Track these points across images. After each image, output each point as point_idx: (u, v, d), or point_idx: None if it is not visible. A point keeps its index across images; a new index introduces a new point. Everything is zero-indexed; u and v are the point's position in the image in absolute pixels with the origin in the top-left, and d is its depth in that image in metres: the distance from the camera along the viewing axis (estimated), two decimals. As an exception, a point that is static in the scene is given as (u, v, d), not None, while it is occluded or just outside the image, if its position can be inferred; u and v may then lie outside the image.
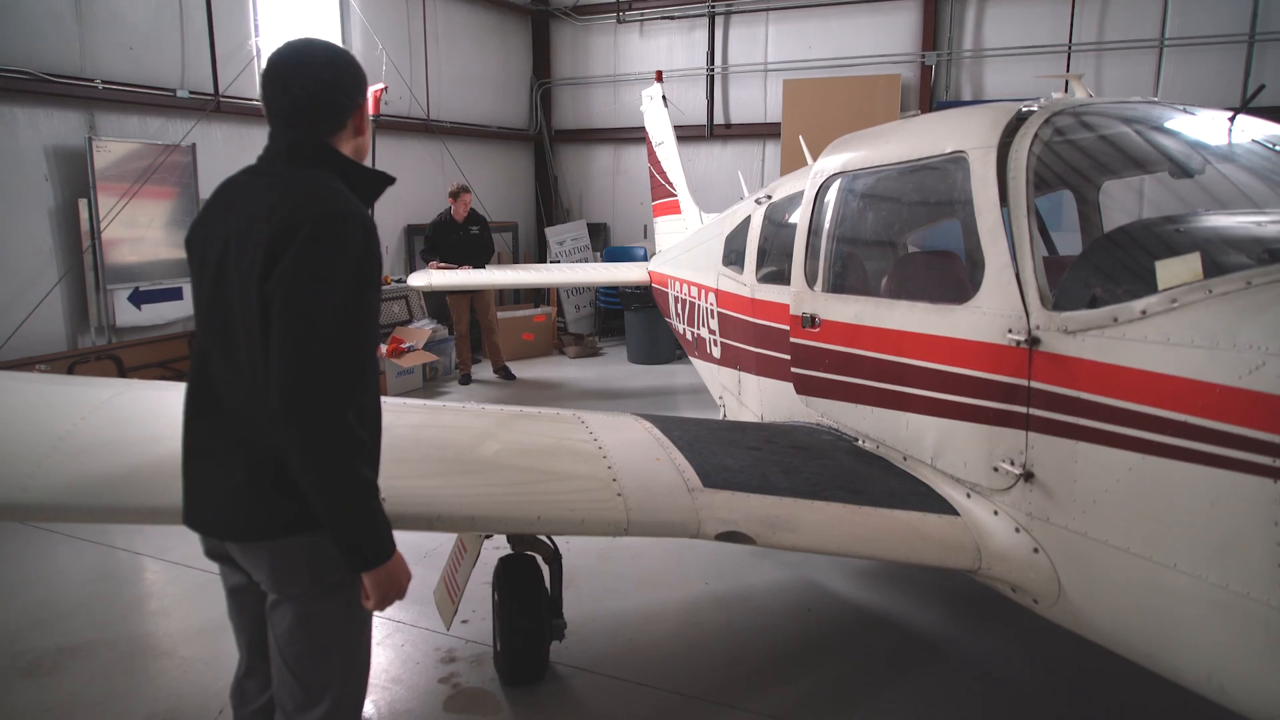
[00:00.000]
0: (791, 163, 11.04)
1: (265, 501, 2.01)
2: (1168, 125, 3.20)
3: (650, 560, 5.14)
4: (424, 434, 3.18)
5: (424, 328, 9.79)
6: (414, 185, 11.32)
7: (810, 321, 3.93)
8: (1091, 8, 10.71)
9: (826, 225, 3.93)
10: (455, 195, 9.70)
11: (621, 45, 13.25)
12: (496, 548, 3.99)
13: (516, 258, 12.68)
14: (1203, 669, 2.31)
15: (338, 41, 10.11)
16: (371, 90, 9.80)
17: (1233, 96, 9.87)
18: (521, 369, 10.71)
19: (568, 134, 13.87)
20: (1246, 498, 2.14)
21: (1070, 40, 10.78)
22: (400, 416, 3.28)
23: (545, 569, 3.87)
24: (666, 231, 9.05)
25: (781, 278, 4.66)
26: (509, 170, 13.40)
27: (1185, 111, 3.27)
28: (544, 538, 3.84)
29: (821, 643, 4.24)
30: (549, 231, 12.87)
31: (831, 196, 3.96)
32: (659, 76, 9.52)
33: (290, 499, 1.98)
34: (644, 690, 3.81)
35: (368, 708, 3.63)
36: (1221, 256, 2.43)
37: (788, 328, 4.27)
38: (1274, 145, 2.94)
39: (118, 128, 7.78)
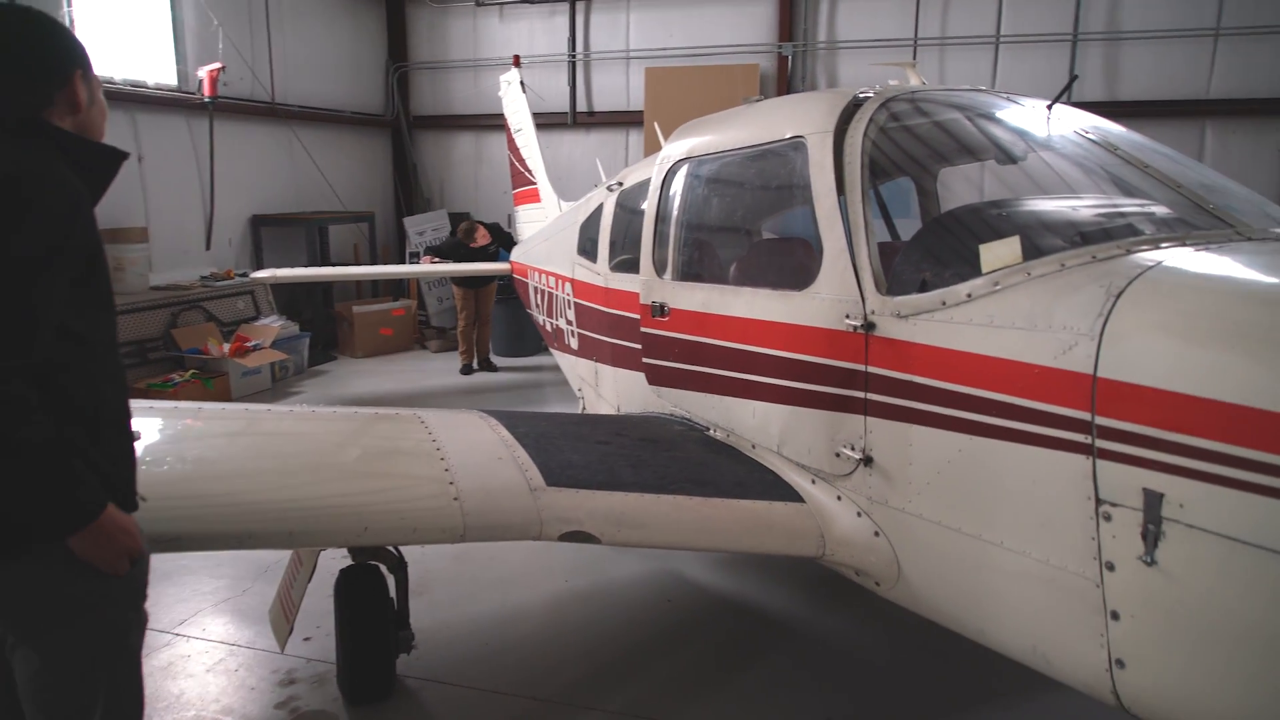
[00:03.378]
0: (655, 149, 11.02)
1: None
2: (994, 113, 3.29)
3: (510, 560, 4.98)
4: (239, 443, 2.92)
5: (272, 324, 9.22)
6: (260, 173, 10.65)
7: (660, 310, 3.86)
8: (934, 4, 11.18)
9: (673, 212, 3.86)
10: (468, 232, 9.52)
11: (481, 29, 12.87)
12: (339, 558, 3.74)
13: (373, 250, 12.13)
14: (1028, 641, 2.37)
15: (166, 18, 9.36)
16: (206, 70, 9.18)
17: (1057, 89, 10.54)
18: (381, 365, 10.28)
19: (427, 120, 13.39)
20: (1063, 475, 2.19)
21: (916, 34, 11.22)
22: (214, 425, 3.00)
23: (390, 578, 3.65)
24: (528, 220, 8.86)
25: (634, 266, 4.58)
26: (365, 158, 12.81)
27: (1009, 100, 3.37)
28: (388, 545, 3.62)
29: (680, 632, 4.20)
30: (408, 222, 12.39)
31: (677, 183, 3.89)
32: (516, 61, 9.30)
33: None
34: (497, 698, 3.66)
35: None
36: (1040, 239, 2.49)
37: (635, 317, 4.19)
38: (1088, 134, 3.06)
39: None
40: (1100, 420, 2.09)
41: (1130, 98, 10.48)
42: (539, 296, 7.00)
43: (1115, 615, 2.11)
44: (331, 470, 2.82)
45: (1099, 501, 2.11)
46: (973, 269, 2.49)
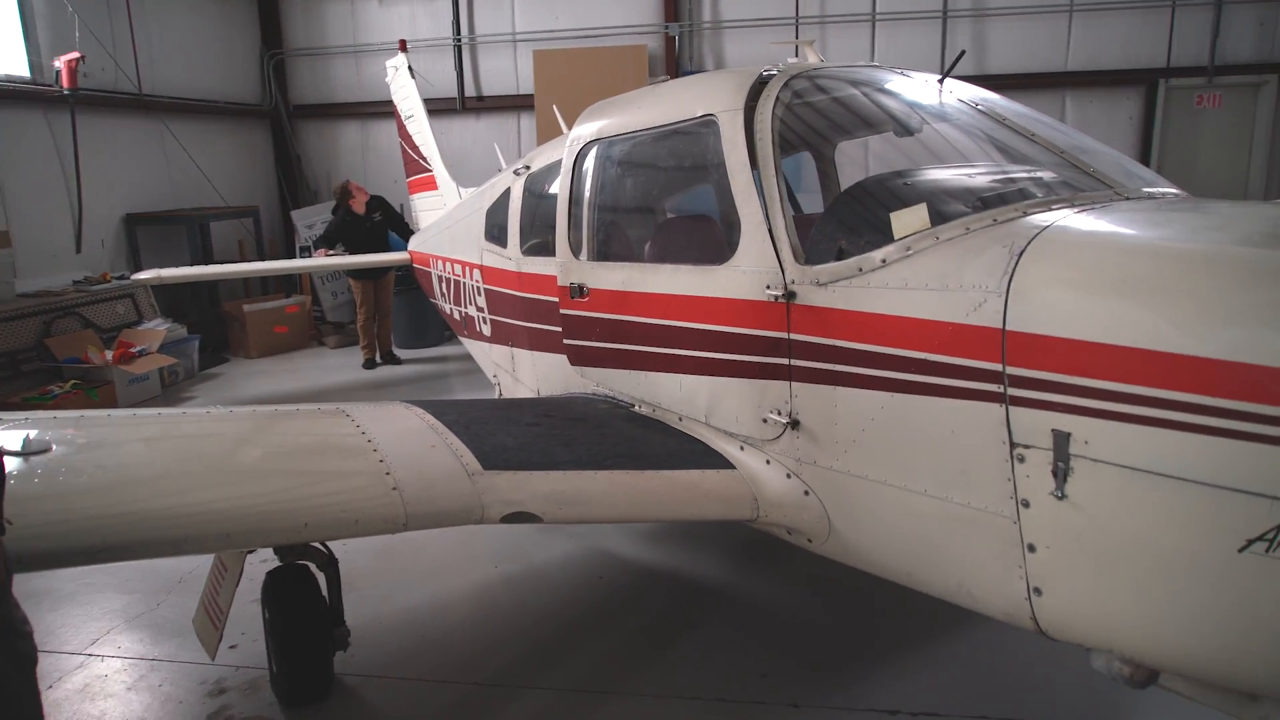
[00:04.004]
0: (546, 134, 10.95)
1: None
2: (890, 87, 3.46)
3: (435, 551, 4.94)
4: (161, 447, 2.81)
5: (157, 328, 8.77)
6: (130, 169, 10.04)
7: (579, 291, 3.90)
8: (814, -17, 11.52)
9: (586, 193, 3.90)
10: (344, 191, 9.36)
11: (360, 14, 12.46)
12: (263, 561, 3.65)
13: (260, 246, 11.64)
14: (954, 579, 2.55)
15: (12, 3, 8.68)
16: (64, 60, 8.59)
17: (932, 64, 11.06)
18: (278, 364, 9.92)
19: (308, 109, 12.89)
20: (979, 423, 2.36)
21: (797, 13, 11.53)
22: (131, 430, 2.88)
23: (320, 576, 3.58)
24: (425, 209, 8.69)
25: (547, 249, 4.59)
26: (244, 150, 12.24)
27: (903, 75, 3.55)
28: (316, 544, 3.55)
29: (615, 607, 4.29)
30: (296, 215, 11.94)
31: (589, 164, 3.93)
32: (402, 46, 9.06)
33: None
34: (439, 687, 3.66)
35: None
36: (944, 206, 2.66)
37: (557, 299, 4.22)
38: (978, 105, 3.27)
39: None
40: (1010, 370, 2.27)
41: (998, 71, 11.06)
42: (444, 285, 6.90)
43: (1032, 548, 2.30)
44: (262, 469, 2.76)
45: (1013, 445, 2.29)
46: (885, 236, 2.64)
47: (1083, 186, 2.76)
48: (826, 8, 11.56)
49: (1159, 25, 11.06)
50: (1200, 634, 2.02)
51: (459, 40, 12.22)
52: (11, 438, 2.66)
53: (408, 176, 9.38)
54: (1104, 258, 2.21)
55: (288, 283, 11.62)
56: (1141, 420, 2.02)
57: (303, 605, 3.48)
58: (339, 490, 2.72)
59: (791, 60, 3.69)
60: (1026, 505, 2.29)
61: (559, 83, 11.16)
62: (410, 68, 8.84)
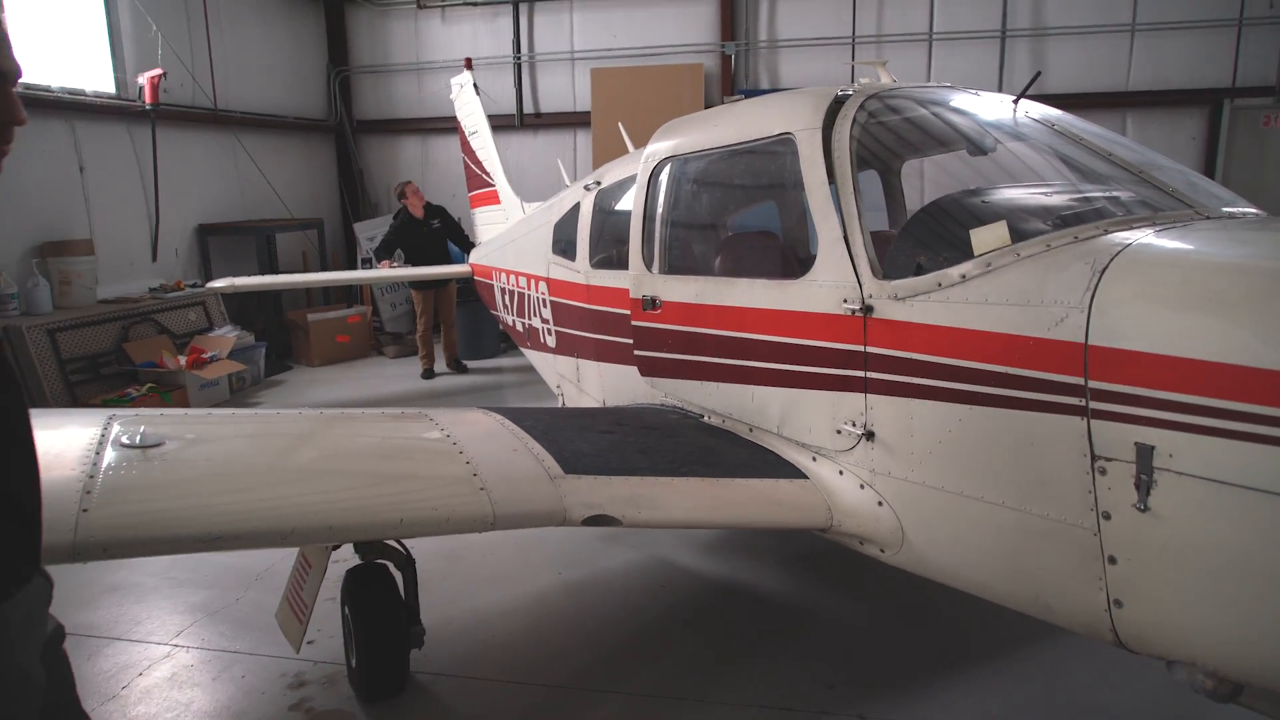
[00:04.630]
0: (603, 151, 11.15)
1: None
2: (963, 107, 3.52)
3: (500, 556, 5.07)
4: (263, 444, 2.97)
5: (227, 335, 9.08)
6: (204, 181, 10.45)
7: (651, 304, 4.01)
8: (870, 3, 11.57)
9: (661, 208, 4.01)
10: (401, 193, 9.68)
11: (423, 32, 12.82)
12: (340, 560, 3.79)
13: (323, 257, 11.99)
14: (1031, 591, 2.59)
15: (102, 23, 9.12)
16: (147, 76, 8.99)
17: (990, 83, 11.04)
18: (339, 373, 10.19)
19: (371, 125, 13.27)
20: (1060, 435, 2.40)
21: (854, 33, 11.59)
22: (231, 428, 3.04)
23: (398, 575, 3.72)
24: (486, 223, 8.89)
25: (617, 262, 4.71)
26: (309, 164, 12.65)
27: (976, 95, 3.61)
28: (395, 543, 3.69)
29: (677, 616, 4.35)
30: (358, 227, 12.28)
31: (664, 180, 4.04)
32: (468, 64, 9.32)
33: None
34: (512, 687, 3.75)
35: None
36: (1023, 223, 2.71)
37: (626, 312, 4.33)
38: (1054, 124, 3.31)
39: None
40: (1093, 384, 2.31)
41: (1057, 91, 10.99)
42: (507, 297, 7.07)
43: (1113, 560, 2.33)
44: (359, 467, 2.90)
45: (1094, 457, 2.33)
46: (964, 252, 2.70)
47: (1162, 206, 2.79)
48: (884, 27, 11.61)
49: (1224, 44, 10.90)
50: (1287, 648, 2.04)
51: (519, 58, 12.49)
52: (128, 431, 2.84)
53: (469, 191, 9.61)
54: (1187, 275, 2.25)
55: (349, 293, 11.93)
56: (1226, 434, 2.05)
57: (382, 603, 3.61)
58: (430, 489, 2.84)
59: (864, 81, 3.77)
60: (1108, 517, 2.32)
61: (616, 101, 11.36)
62: (475, 85, 9.08)
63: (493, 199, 8.73)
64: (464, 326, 10.42)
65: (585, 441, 3.40)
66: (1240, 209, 2.94)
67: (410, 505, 2.75)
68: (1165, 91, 11.08)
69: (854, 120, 3.22)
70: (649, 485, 3.08)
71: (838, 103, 3.31)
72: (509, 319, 7.12)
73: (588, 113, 11.95)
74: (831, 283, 3.06)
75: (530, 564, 4.98)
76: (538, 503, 2.90)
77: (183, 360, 8.35)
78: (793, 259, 3.39)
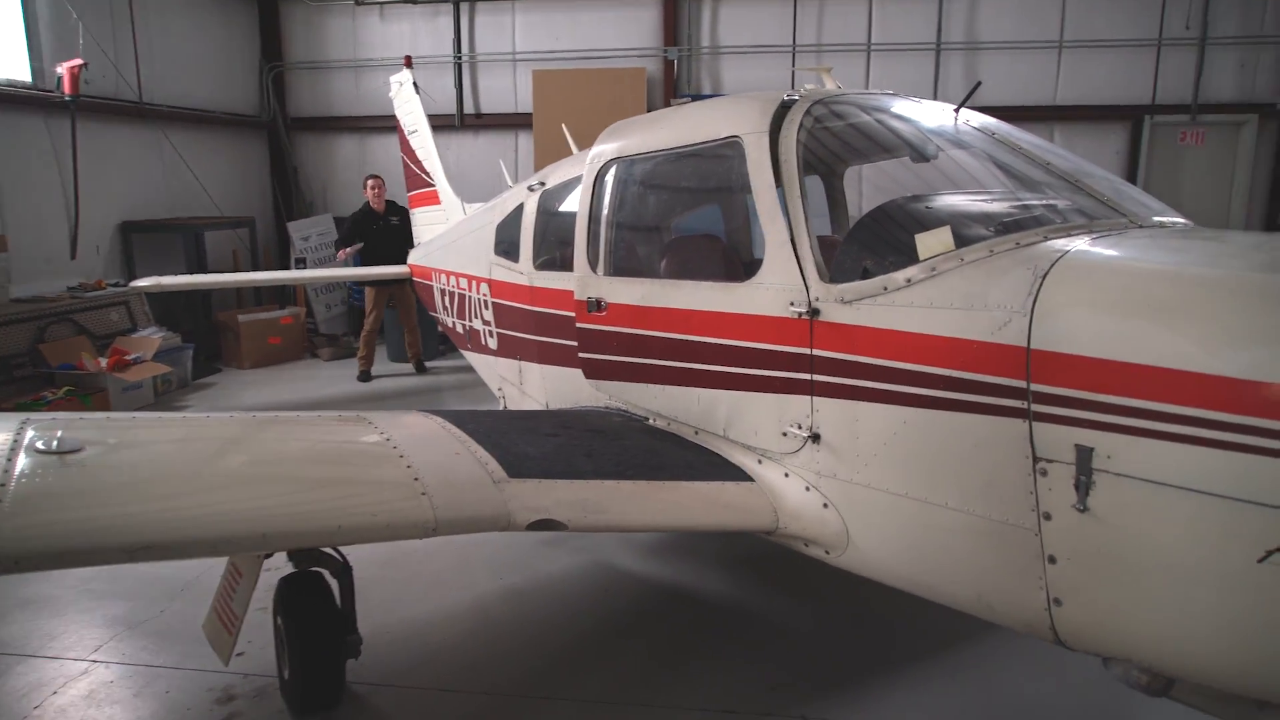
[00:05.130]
0: (545, 152, 11.08)
1: None
2: (906, 114, 3.57)
3: (438, 562, 4.96)
4: (192, 449, 2.84)
5: (152, 336, 8.74)
6: (128, 176, 10.04)
7: (596, 305, 3.97)
8: (810, 12, 11.74)
9: (607, 209, 3.98)
10: (365, 185, 9.64)
11: (361, 29, 12.56)
12: (272, 568, 3.65)
13: (255, 256, 11.63)
14: (974, 591, 2.62)
15: (17, 9, 8.70)
16: (66, 66, 8.60)
17: (925, 93, 11.30)
18: (271, 375, 9.89)
19: (306, 122, 12.94)
20: (1003, 438, 2.44)
21: (794, 41, 11.74)
22: (157, 432, 2.91)
23: (334, 583, 3.60)
24: (426, 223, 8.74)
25: (561, 264, 4.66)
26: (241, 160, 12.26)
27: (919, 102, 3.66)
28: (331, 550, 3.57)
29: (620, 620, 4.31)
30: (292, 227, 11.95)
31: (610, 181, 4.01)
32: (408, 61, 9.15)
33: None
34: (452, 696, 3.67)
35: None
36: (966, 229, 2.75)
37: (570, 314, 4.28)
38: (993, 133, 3.38)
39: None
40: (1035, 387, 2.35)
41: (990, 102, 11.24)
42: (447, 299, 6.95)
43: (1052, 559, 2.37)
44: (295, 472, 2.79)
45: (1036, 459, 2.37)
46: (910, 257, 2.72)
47: (1098, 214, 2.87)
48: (823, 37, 11.79)
49: (1145, 63, 11.36)
50: (1218, 642, 2.10)
51: (460, 58, 12.33)
52: (44, 436, 2.68)
53: (409, 191, 9.43)
54: (1127, 281, 2.30)
55: (281, 294, 11.60)
56: (1164, 436, 2.11)
57: (317, 612, 3.49)
58: (370, 494, 2.75)
59: (809, 86, 3.79)
60: (1048, 518, 2.36)
61: (558, 103, 11.30)
62: (415, 83, 8.91)
63: (433, 199, 8.59)
64: (399, 329, 10.20)
65: (529, 444, 3.34)
66: (1169, 218, 3.04)
67: (348, 511, 2.65)
68: (1091, 106, 11.50)
69: (800, 125, 3.24)
70: (595, 489, 3.04)
71: (784, 107, 3.33)
72: (449, 321, 7.00)
73: (529, 114, 11.86)
74: (778, 285, 3.07)
75: (469, 569, 4.89)
76: (481, 507, 2.83)
77: (103, 362, 8.00)
78: (739, 262, 3.39)
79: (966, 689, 3.63)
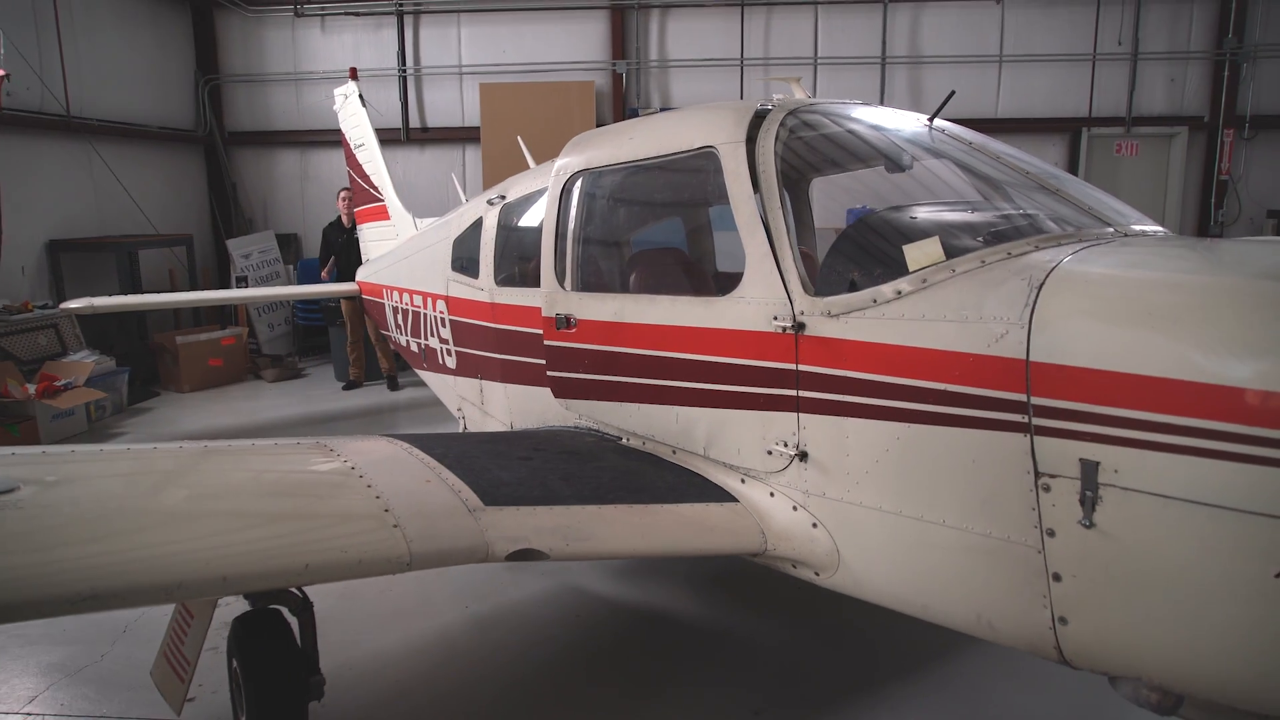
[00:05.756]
0: (494, 166, 10.90)
1: None
2: (881, 124, 3.53)
3: (400, 591, 4.74)
4: (139, 483, 2.62)
5: (84, 360, 8.31)
6: (55, 193, 9.58)
7: (565, 322, 3.83)
8: (757, 26, 11.81)
9: (574, 223, 3.85)
10: (338, 197, 9.72)
11: (301, 41, 12.25)
12: (227, 602, 3.42)
13: (193, 275, 11.19)
14: (973, 611, 2.55)
15: (-66, 18, 8.25)
16: (-14, 78, 8.16)
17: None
18: (213, 399, 9.51)
19: (245, 136, 12.55)
20: (1002, 453, 2.38)
21: (742, 55, 11.79)
22: (103, 466, 2.68)
23: (293, 621, 3.38)
24: (375, 239, 8.50)
25: (525, 280, 4.52)
26: (176, 176, 11.81)
27: (892, 112, 3.62)
28: (292, 588, 3.36)
29: (594, 646, 4.18)
30: (232, 244, 11.54)
31: (577, 194, 3.88)
32: (353, 74, 8.91)
33: None
34: (422, 735, 3.49)
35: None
36: (953, 240, 2.69)
37: (536, 331, 4.14)
38: (970, 143, 3.35)
39: None
40: (1035, 400, 2.29)
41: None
42: (400, 316, 6.73)
43: (1057, 577, 2.31)
44: (255, 507, 2.59)
45: (1038, 474, 2.31)
46: (899, 269, 2.66)
47: (1083, 223, 2.84)
48: (770, 50, 11.87)
49: (1081, 78, 11.68)
50: (1232, 657, 2.05)
51: (404, 71, 12.10)
52: (-27, 476, 2.44)
53: (356, 206, 9.17)
54: (1125, 291, 2.26)
55: (222, 314, 11.18)
56: (1172, 449, 2.06)
57: (276, 653, 3.27)
58: (338, 529, 2.57)
59: (779, 97, 3.73)
60: (1052, 534, 2.30)
61: (506, 116, 11.15)
62: (361, 96, 8.68)
63: (381, 214, 8.35)
64: (347, 345, 9.89)
65: (503, 469, 3.18)
66: (1149, 226, 3.04)
67: (315, 548, 2.47)
68: (1031, 119, 11.77)
69: (777, 134, 3.16)
70: (575, 515, 2.90)
71: (759, 116, 3.25)
72: (402, 339, 6.78)
73: (477, 128, 11.69)
74: (760, 299, 2.98)
75: (434, 598, 4.69)
76: (457, 539, 2.67)
77: (31, 389, 7.56)
78: (718, 275, 3.29)
79: (954, 703, 3.57)
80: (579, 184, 3.89)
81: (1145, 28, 11.54)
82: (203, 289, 11.14)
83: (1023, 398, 2.32)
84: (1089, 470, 2.19)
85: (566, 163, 3.96)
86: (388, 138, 11.91)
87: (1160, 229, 3.06)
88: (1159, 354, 2.09)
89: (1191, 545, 2.06)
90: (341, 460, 3.02)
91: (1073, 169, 11.87)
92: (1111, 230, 2.81)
